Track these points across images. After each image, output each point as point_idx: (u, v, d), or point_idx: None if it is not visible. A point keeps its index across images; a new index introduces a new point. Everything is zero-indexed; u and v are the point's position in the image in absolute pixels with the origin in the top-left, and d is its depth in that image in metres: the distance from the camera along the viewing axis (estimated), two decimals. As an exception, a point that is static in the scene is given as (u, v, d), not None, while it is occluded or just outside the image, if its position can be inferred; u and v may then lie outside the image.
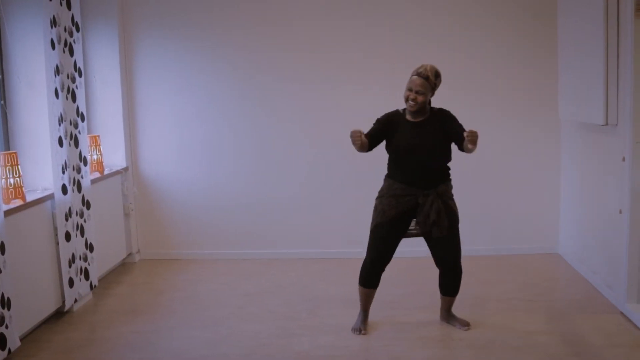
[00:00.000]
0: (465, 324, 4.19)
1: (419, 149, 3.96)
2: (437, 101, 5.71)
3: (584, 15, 4.72)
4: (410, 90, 3.91)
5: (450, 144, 4.02)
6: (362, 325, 4.16)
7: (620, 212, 4.31)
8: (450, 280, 4.16)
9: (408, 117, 4.02)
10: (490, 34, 5.61)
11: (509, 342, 3.93)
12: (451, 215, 4.01)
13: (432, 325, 4.23)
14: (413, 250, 5.49)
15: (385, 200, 4.02)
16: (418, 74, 3.90)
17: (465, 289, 4.88)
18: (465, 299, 4.67)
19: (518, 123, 5.70)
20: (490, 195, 5.78)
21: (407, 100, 3.93)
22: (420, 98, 3.88)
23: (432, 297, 4.74)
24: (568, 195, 5.57)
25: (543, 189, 5.76)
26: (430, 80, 3.89)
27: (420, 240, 5.84)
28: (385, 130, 4.03)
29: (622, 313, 4.30)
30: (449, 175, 4.09)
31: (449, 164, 4.08)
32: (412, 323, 4.26)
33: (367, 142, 3.96)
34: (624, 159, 4.24)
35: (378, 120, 4.08)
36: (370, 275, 4.11)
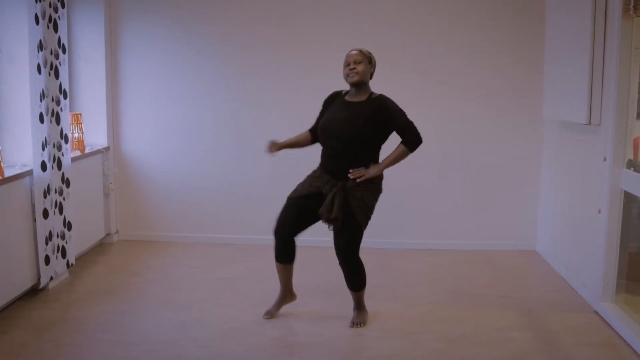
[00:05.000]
0: (356, 323, 4.04)
1: (337, 131, 3.87)
2: (421, 97, 5.69)
3: (571, 15, 4.71)
4: (347, 65, 3.88)
5: (382, 135, 3.91)
6: (272, 309, 4.17)
7: (600, 212, 4.32)
8: (344, 272, 4.03)
9: (347, 97, 3.99)
10: (477, 32, 5.59)
11: (479, 336, 3.94)
12: (348, 213, 3.82)
13: (405, 317, 4.23)
14: (389, 242, 5.54)
15: (306, 178, 4.05)
16: (351, 52, 3.91)
17: (439, 282, 4.92)
18: (438, 292, 4.70)
19: (501, 120, 5.68)
20: (470, 190, 5.77)
21: (347, 76, 3.89)
22: (359, 67, 3.85)
23: (407, 288, 4.76)
24: (547, 193, 5.58)
25: (523, 186, 5.75)
26: (364, 51, 3.91)
27: (396, 232, 5.85)
28: (324, 111, 4.07)
29: (595, 312, 4.31)
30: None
31: (373, 156, 3.94)
32: (385, 314, 4.25)
33: (300, 141, 4.09)
34: (605, 159, 4.25)
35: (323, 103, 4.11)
36: (277, 248, 4.07)
